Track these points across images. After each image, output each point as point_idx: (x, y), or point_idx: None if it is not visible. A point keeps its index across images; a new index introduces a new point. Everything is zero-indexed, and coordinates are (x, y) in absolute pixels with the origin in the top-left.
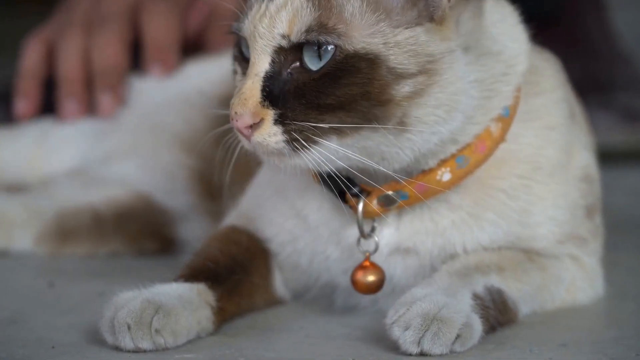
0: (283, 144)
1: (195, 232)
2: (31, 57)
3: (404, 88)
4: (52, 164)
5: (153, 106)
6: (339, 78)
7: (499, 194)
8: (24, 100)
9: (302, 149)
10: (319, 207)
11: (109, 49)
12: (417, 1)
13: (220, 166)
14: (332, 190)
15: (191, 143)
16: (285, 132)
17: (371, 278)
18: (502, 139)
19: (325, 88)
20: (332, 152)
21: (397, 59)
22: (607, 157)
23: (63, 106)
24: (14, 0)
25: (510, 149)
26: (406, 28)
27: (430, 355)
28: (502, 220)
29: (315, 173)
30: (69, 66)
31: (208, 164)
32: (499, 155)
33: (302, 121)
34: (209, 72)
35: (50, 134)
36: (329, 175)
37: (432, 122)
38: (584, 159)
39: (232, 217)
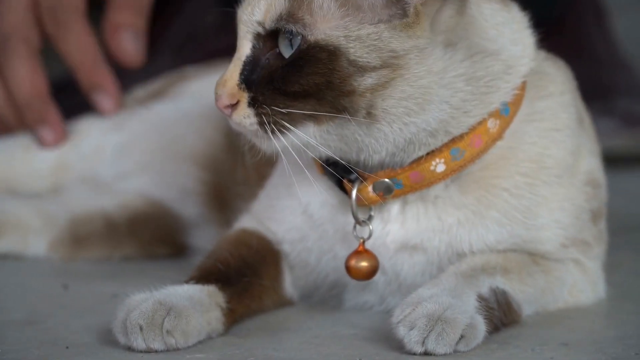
0: (257, 126)
1: (205, 240)
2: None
3: (366, 80)
4: (74, 174)
5: (170, 124)
6: (302, 67)
7: (502, 192)
8: None
9: (272, 132)
10: (323, 203)
11: (23, 78)
12: (392, 2)
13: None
14: (333, 180)
15: (205, 157)
16: (257, 114)
17: (364, 264)
18: (499, 136)
19: (291, 76)
20: (308, 138)
21: (357, 52)
22: (608, 161)
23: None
24: None
25: (513, 148)
26: (370, 24)
27: (434, 354)
28: (506, 220)
29: (318, 164)
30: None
31: (220, 177)
32: (501, 154)
33: (270, 105)
34: None
35: (76, 145)
36: (330, 165)
37: (401, 113)
38: (591, 164)
39: (244, 220)
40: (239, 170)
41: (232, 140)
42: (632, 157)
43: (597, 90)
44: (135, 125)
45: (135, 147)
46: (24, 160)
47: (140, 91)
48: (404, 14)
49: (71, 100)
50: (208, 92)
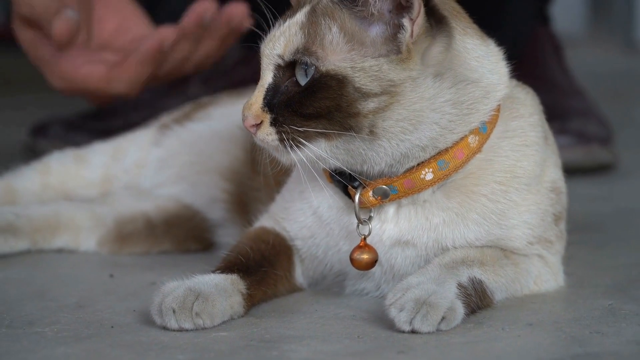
0: (277, 142)
1: (229, 238)
2: None
3: (369, 104)
4: (119, 184)
5: (201, 142)
6: (316, 92)
7: (481, 197)
8: None
9: (291, 147)
10: (330, 206)
11: None
12: (389, 40)
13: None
14: (339, 187)
15: (229, 171)
16: (278, 132)
17: (365, 256)
18: (478, 150)
19: (306, 100)
20: (320, 151)
21: (361, 81)
22: (565, 172)
23: None
24: None
25: (490, 160)
26: (372, 58)
27: (419, 332)
28: (483, 220)
29: (327, 173)
30: None
31: (241, 187)
32: (480, 165)
33: (289, 125)
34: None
35: (120, 160)
36: (338, 174)
37: (398, 132)
38: (554, 174)
39: (263, 219)
40: (257, 178)
41: (252, 155)
42: (584, 169)
43: (555, 113)
44: (172, 142)
45: (171, 162)
46: (76, 172)
47: (165, 117)
48: (398, 51)
49: (112, 122)
50: (232, 115)
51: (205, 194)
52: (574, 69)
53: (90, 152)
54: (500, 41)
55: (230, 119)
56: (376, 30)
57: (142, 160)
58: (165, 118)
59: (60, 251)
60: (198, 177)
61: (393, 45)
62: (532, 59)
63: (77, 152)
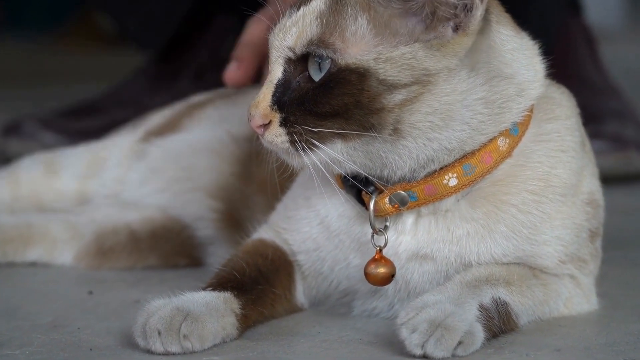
0: (288, 144)
1: (221, 255)
2: (254, 31)
3: (396, 97)
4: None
5: (187, 157)
6: (333, 88)
7: (511, 208)
8: (237, 65)
9: (303, 150)
10: (340, 215)
11: None
12: (436, 26)
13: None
14: (352, 193)
15: (218, 188)
16: (288, 133)
17: (382, 270)
18: (508, 154)
19: (322, 97)
20: (336, 154)
21: (387, 72)
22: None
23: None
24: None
25: (522, 166)
26: (405, 45)
27: (432, 358)
28: (513, 234)
29: (338, 177)
30: (249, 33)
31: (231, 203)
32: (510, 172)
33: (301, 125)
34: (236, 113)
35: (96, 173)
36: (352, 177)
37: (426, 127)
38: (592, 184)
39: (262, 231)
40: (250, 189)
41: (250, 164)
42: (620, 177)
43: (587, 114)
44: (155, 155)
45: (155, 177)
46: (48, 184)
47: (156, 116)
48: (456, 29)
49: (94, 121)
50: (224, 121)
51: (192, 213)
52: (609, 65)
53: (62, 160)
54: (527, 33)
55: (222, 125)
56: (416, 19)
57: (121, 175)
58: (150, 123)
59: (33, 265)
60: (184, 195)
61: (436, 32)
62: (563, 54)
63: (49, 160)
